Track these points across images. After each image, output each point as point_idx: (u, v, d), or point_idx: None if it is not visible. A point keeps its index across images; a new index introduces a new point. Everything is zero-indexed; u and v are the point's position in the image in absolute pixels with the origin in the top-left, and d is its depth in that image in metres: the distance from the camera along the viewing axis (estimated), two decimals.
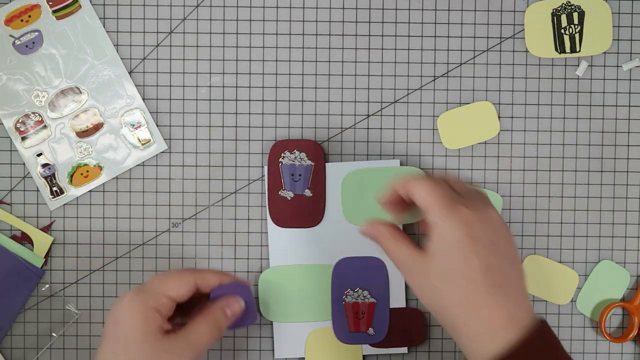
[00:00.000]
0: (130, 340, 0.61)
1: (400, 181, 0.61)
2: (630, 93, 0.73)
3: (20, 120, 0.72)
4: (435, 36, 0.73)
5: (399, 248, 0.60)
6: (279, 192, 0.72)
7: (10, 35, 0.72)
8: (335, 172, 0.73)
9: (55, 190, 0.73)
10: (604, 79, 0.73)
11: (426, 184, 0.59)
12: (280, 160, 0.72)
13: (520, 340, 0.55)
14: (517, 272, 0.59)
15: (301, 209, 0.73)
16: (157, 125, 0.73)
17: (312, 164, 0.72)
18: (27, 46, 0.72)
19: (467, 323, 0.57)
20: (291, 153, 0.72)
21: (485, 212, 0.59)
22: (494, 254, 0.57)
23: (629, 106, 0.73)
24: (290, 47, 0.73)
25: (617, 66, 0.73)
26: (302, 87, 0.73)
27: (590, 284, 0.74)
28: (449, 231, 0.57)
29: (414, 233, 0.73)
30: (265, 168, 0.73)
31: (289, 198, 0.72)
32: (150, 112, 0.73)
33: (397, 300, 0.73)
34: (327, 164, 0.73)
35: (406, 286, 0.73)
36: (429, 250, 0.58)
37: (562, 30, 0.73)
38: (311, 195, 0.73)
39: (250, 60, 0.73)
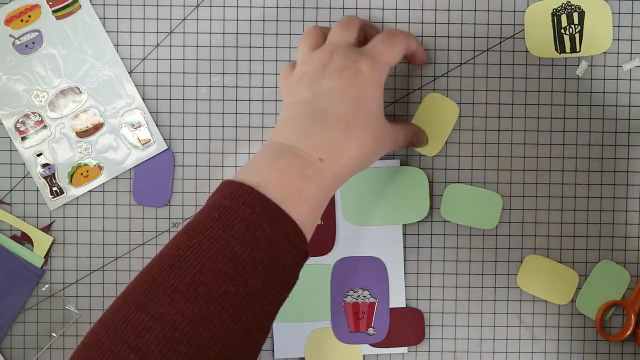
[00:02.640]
0: (376, 112, 0.61)
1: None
2: (630, 93, 0.73)
3: (20, 120, 0.72)
4: (435, 36, 0.73)
5: None
6: None
7: (10, 35, 0.72)
8: None
9: (55, 190, 0.73)
10: (604, 79, 0.73)
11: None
12: None
13: None
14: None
15: (312, 238, 0.72)
16: (157, 125, 0.73)
17: None
18: (27, 46, 0.72)
19: None
20: None
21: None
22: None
23: (629, 106, 0.73)
24: (290, 47, 0.73)
25: (617, 66, 0.73)
26: None
27: (590, 284, 0.74)
28: None
29: (414, 233, 0.73)
30: None
31: None
32: (150, 112, 0.73)
33: (397, 300, 0.73)
34: None
35: (406, 286, 0.74)
36: None
37: (562, 30, 0.73)
38: (322, 223, 0.72)
39: (250, 60, 0.73)
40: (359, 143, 0.59)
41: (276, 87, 0.73)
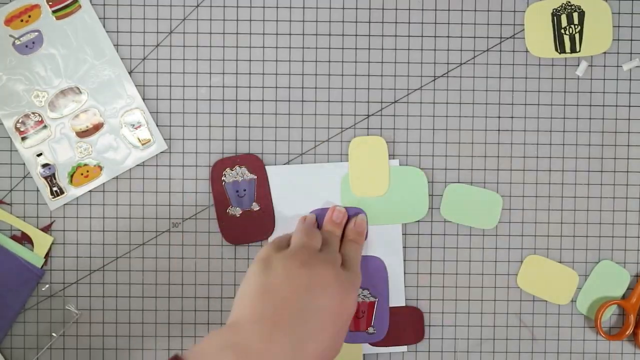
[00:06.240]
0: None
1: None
2: (630, 93, 0.73)
3: (20, 120, 0.72)
4: (435, 36, 0.73)
5: None
6: (227, 211, 0.72)
7: (10, 35, 0.72)
8: (335, 172, 0.73)
9: (55, 190, 0.73)
10: (604, 79, 0.73)
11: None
12: (222, 178, 0.72)
13: None
14: None
15: (251, 223, 0.73)
16: (157, 125, 0.73)
17: (255, 177, 0.72)
18: (27, 46, 0.72)
19: None
20: (232, 170, 0.72)
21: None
22: None
23: (629, 106, 0.73)
24: (290, 47, 0.73)
25: (617, 66, 0.73)
26: (302, 87, 0.73)
27: (590, 284, 0.74)
28: None
29: (414, 233, 0.74)
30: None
31: (238, 215, 0.73)
32: (150, 112, 0.73)
33: (396, 299, 0.73)
34: (326, 163, 0.73)
35: (406, 286, 0.74)
36: None
37: (562, 30, 0.73)
38: (259, 208, 0.73)
39: (250, 60, 0.73)
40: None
41: (276, 87, 0.73)
